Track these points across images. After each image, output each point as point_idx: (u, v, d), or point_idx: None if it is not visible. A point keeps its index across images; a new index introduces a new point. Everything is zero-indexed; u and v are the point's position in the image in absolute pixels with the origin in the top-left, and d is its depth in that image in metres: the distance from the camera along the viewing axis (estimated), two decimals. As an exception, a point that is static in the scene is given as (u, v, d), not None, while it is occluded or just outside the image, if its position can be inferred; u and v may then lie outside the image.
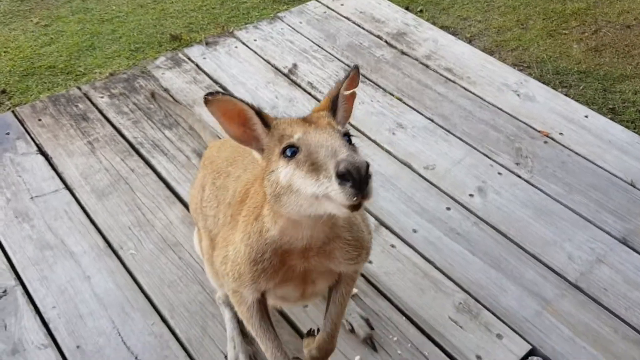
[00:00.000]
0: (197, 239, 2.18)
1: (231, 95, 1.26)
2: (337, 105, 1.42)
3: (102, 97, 3.31)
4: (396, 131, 3.18)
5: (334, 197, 1.13)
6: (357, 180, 1.10)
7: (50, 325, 2.22)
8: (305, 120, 1.33)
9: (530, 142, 3.16)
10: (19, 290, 2.34)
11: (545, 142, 3.16)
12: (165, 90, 3.39)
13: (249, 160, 1.80)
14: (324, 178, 1.15)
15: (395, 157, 3.03)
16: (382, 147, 3.08)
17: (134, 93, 3.35)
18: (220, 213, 1.79)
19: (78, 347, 2.16)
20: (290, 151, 1.23)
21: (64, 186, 2.78)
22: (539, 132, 3.23)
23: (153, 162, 2.93)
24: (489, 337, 2.27)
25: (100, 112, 3.22)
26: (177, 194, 2.76)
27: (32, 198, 2.71)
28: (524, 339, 2.27)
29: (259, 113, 1.31)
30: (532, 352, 2.24)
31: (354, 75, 1.45)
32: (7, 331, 2.20)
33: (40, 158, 2.92)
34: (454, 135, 3.18)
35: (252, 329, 1.69)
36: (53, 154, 2.94)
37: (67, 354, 2.13)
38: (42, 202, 2.69)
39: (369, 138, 3.13)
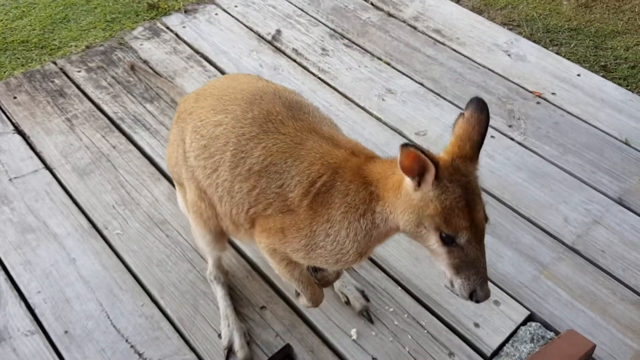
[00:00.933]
0: (181, 195, 2.09)
1: (422, 150, 1.33)
2: (479, 151, 1.46)
3: (79, 72, 3.18)
4: (386, 97, 3.09)
5: (456, 293, 1.47)
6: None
7: (36, 311, 2.15)
8: (469, 205, 1.39)
9: (523, 103, 3.08)
10: (2, 276, 2.26)
11: (538, 103, 3.09)
12: (145, 62, 3.27)
13: (260, 114, 1.71)
14: (460, 281, 1.44)
15: (385, 123, 2.94)
16: (371, 114, 2.99)
17: (112, 66, 3.22)
18: (224, 171, 1.72)
19: (66, 332, 2.09)
20: (449, 240, 1.41)
21: (43, 166, 2.67)
22: (531, 92, 3.15)
23: (135, 137, 2.82)
24: (486, 304, 2.23)
25: (78, 87, 3.10)
26: (162, 170, 2.67)
27: (10, 180, 2.61)
28: (522, 304, 2.23)
29: (437, 167, 1.36)
30: (531, 317, 2.21)
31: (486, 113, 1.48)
32: (-8, 318, 2.13)
33: (17, 137, 2.81)
34: (444, 99, 3.10)
35: (298, 283, 1.87)
36: (30, 133, 2.82)
37: (55, 340, 2.07)
38: (21, 184, 2.59)
39: (358, 105, 3.04)
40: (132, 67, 3.13)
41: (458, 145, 1.43)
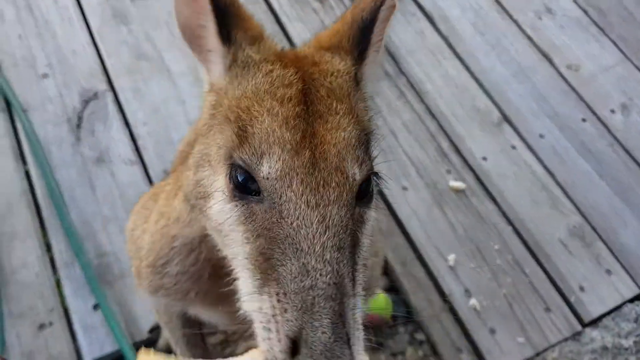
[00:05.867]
0: None
1: None
2: (368, 46, 0.85)
3: None
4: (543, 16, 2.73)
5: (259, 342, 0.73)
6: None
7: (139, 143, 2.09)
8: (303, 104, 0.76)
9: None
10: (110, 96, 2.18)
11: None
12: None
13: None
14: (272, 305, 0.71)
15: (536, 45, 2.62)
16: (523, 31, 2.66)
17: None
18: None
19: (164, 171, 2.03)
20: (243, 180, 0.73)
21: (168, -6, 2.51)
22: None
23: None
24: (597, 270, 2.05)
25: None
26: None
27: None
28: (635, 281, 2.05)
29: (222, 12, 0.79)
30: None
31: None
32: (95, 138, 2.08)
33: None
34: (607, 36, 2.72)
35: None
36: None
37: (152, 176, 2.02)
38: (143, 7, 2.44)
39: (511, 17, 2.70)
40: None
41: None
